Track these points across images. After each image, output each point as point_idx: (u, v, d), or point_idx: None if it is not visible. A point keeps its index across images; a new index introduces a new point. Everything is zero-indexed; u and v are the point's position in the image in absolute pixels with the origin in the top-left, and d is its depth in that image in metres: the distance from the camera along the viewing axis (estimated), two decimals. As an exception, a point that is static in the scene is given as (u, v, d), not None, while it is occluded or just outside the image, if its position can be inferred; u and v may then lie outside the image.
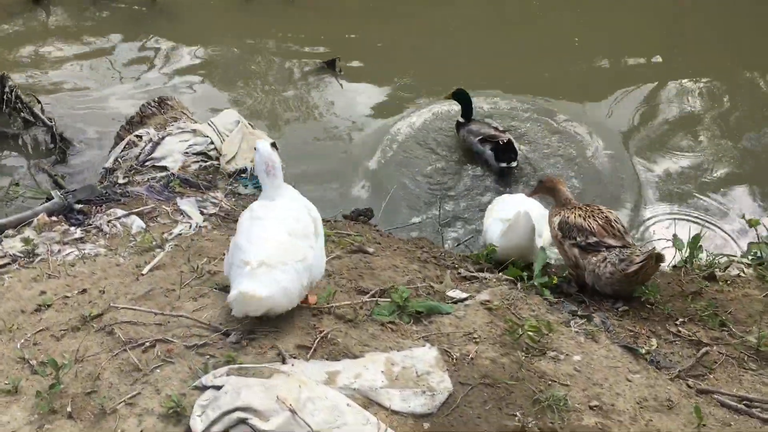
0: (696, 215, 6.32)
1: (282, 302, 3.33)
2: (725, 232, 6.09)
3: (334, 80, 8.60)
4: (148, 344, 3.28)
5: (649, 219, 6.35)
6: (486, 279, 4.16)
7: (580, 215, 4.45)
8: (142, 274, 4.04)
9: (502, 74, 8.79)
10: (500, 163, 6.77)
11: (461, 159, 7.16)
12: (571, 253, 4.45)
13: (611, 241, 4.31)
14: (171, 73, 8.61)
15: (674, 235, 5.23)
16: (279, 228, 3.46)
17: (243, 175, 5.50)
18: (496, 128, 7.13)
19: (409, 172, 6.93)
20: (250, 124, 5.89)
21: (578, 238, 4.39)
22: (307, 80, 8.62)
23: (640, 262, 4.07)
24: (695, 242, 4.94)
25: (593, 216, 4.42)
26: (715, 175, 6.88)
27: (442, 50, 9.16)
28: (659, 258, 4.10)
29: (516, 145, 6.88)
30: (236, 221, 4.97)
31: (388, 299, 3.72)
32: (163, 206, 5.03)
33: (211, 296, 3.68)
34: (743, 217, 5.19)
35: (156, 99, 6.03)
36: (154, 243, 4.54)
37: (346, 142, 7.42)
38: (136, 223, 4.81)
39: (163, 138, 5.50)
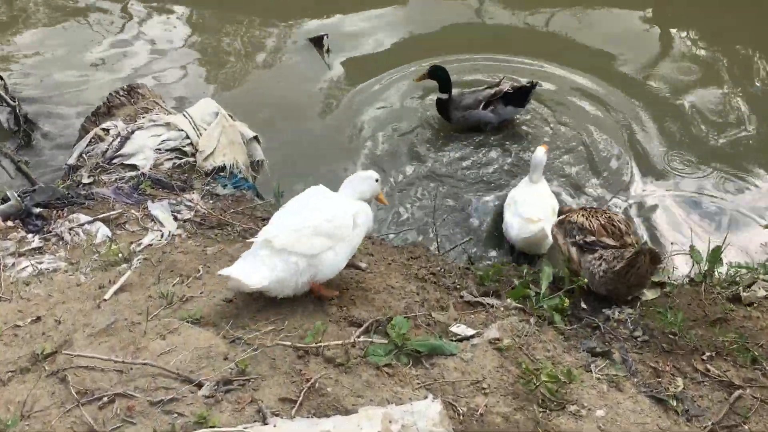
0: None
1: (274, 290, 3.39)
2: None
3: (321, 60, 8.03)
4: (106, 399, 2.81)
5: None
6: (493, 307, 3.72)
7: (583, 215, 4.34)
8: (105, 300, 3.57)
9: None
10: (526, 106, 6.76)
11: (453, 146, 6.68)
12: (569, 252, 4.31)
13: (608, 241, 4.16)
14: (145, 52, 7.96)
15: (692, 246, 4.82)
16: (309, 216, 3.48)
17: (221, 173, 4.99)
18: (487, 86, 6.84)
19: (400, 162, 6.44)
20: (230, 114, 5.34)
21: (577, 237, 4.25)
22: (293, 60, 8.02)
23: (629, 258, 3.88)
24: (715, 255, 4.54)
25: (596, 216, 4.29)
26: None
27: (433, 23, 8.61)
28: (654, 257, 3.90)
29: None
30: (212, 228, 4.56)
31: (384, 337, 3.28)
32: (132, 211, 4.53)
33: (182, 332, 3.22)
34: (767, 226, 4.78)
35: (125, 87, 5.44)
36: (120, 256, 4.07)
37: (333, 129, 6.82)
38: (101, 231, 4.32)
39: (132, 132, 4.95)
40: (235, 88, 7.29)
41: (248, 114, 6.78)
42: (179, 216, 4.53)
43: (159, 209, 4.49)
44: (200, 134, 5.04)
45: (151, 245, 4.23)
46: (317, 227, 3.42)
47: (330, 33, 8.26)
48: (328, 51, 8.15)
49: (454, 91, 6.82)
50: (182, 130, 5.01)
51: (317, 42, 8.20)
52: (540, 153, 5.53)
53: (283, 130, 6.64)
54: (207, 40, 8.19)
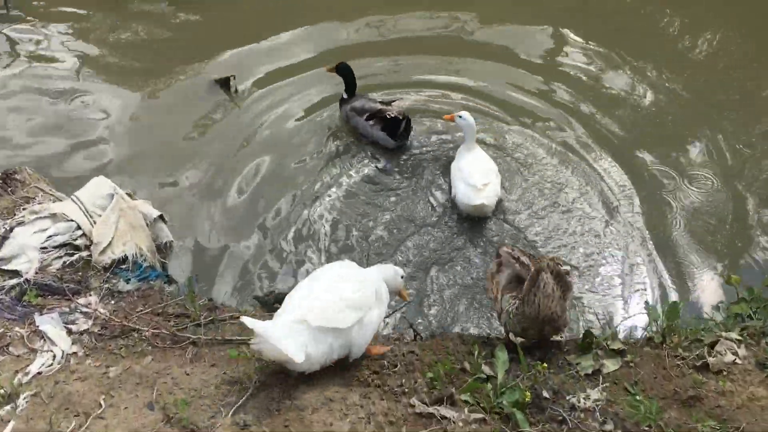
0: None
1: (301, 367, 3.39)
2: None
3: (228, 102, 7.38)
4: None
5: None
6: (450, 421, 3.25)
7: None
8: (-20, 471, 2.91)
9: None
10: (396, 141, 6.49)
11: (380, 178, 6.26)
12: (497, 289, 4.18)
13: (524, 259, 4.08)
14: (23, 122, 6.73)
15: (646, 302, 4.53)
16: (337, 289, 3.54)
17: (123, 266, 4.34)
18: (382, 102, 6.74)
19: (320, 205, 5.88)
20: (128, 193, 4.68)
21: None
22: (197, 104, 7.30)
23: (531, 277, 3.77)
24: (673, 312, 4.23)
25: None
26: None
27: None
28: (557, 273, 3.78)
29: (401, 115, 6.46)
30: (115, 337, 3.95)
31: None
32: (16, 329, 3.84)
33: None
34: (722, 274, 4.51)
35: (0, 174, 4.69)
36: (3, 392, 3.39)
37: (248, 186, 6.10)
38: (-21, 361, 3.62)
39: (11, 229, 4.22)
40: (129, 153, 6.44)
41: (154, 171, 6.16)
42: (75, 328, 3.88)
43: (49, 323, 3.82)
44: (94, 222, 4.38)
45: (40, 373, 3.57)
46: (346, 298, 3.50)
47: (236, 72, 7.67)
48: (236, 91, 7.56)
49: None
50: (72, 220, 4.32)
51: (224, 83, 7.59)
52: (469, 117, 6.01)
53: (193, 182, 5.98)
54: (102, 95, 7.24)
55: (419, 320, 5.04)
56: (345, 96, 6.90)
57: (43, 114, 6.81)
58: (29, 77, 7.39)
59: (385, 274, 3.94)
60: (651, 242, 5.50)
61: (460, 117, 6.04)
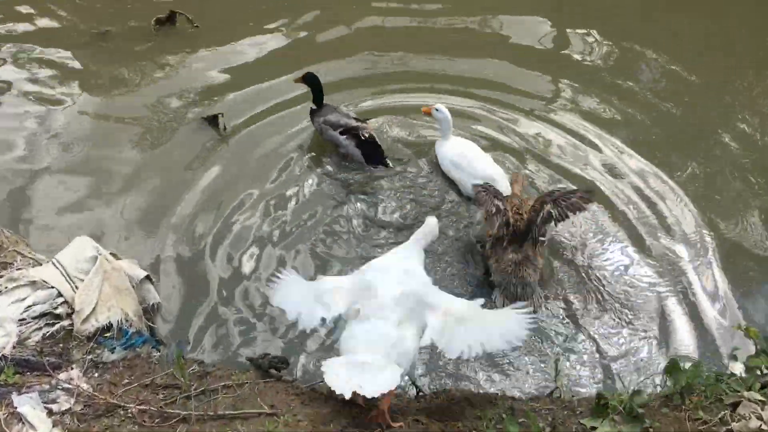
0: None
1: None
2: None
3: (217, 140, 7.13)
4: None
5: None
6: None
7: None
8: None
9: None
10: (373, 164, 6.38)
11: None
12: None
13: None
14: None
15: (670, 362, 4.28)
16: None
17: (107, 334, 4.08)
18: (356, 118, 6.60)
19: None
20: (112, 253, 4.43)
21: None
22: (184, 143, 7.03)
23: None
24: (695, 372, 4.01)
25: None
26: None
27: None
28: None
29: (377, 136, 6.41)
30: (99, 416, 3.68)
31: None
32: (-8, 412, 3.58)
33: None
34: (739, 327, 4.28)
35: (-26, 239, 4.45)
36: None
37: (240, 237, 5.71)
38: (-49, 451, 3.36)
39: (-13, 301, 3.98)
40: (112, 202, 5.92)
41: (144, 215, 5.87)
42: (56, 407, 3.61)
43: (27, 404, 3.56)
44: (76, 287, 4.12)
45: (19, 464, 3.31)
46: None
47: (224, 110, 7.45)
48: (224, 128, 7.33)
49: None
50: (52, 287, 4.07)
51: (212, 121, 7.37)
52: (445, 110, 6.10)
53: (179, 244, 5.68)
54: (85, 145, 6.78)
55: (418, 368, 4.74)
56: (314, 107, 6.84)
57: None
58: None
59: (429, 236, 4.00)
60: (678, 279, 5.25)
61: (437, 110, 6.13)
